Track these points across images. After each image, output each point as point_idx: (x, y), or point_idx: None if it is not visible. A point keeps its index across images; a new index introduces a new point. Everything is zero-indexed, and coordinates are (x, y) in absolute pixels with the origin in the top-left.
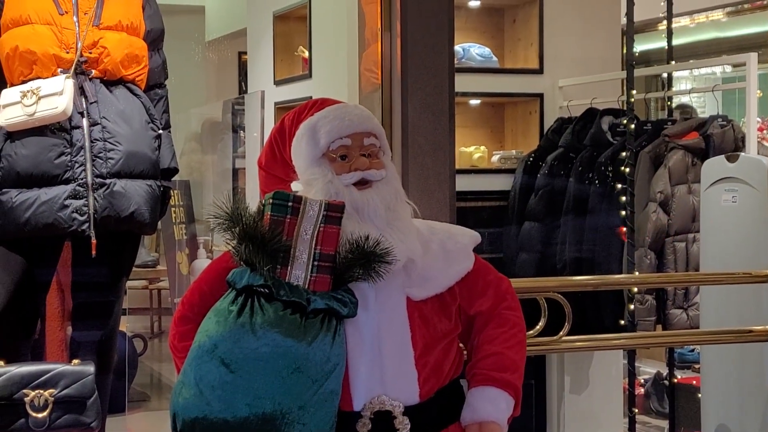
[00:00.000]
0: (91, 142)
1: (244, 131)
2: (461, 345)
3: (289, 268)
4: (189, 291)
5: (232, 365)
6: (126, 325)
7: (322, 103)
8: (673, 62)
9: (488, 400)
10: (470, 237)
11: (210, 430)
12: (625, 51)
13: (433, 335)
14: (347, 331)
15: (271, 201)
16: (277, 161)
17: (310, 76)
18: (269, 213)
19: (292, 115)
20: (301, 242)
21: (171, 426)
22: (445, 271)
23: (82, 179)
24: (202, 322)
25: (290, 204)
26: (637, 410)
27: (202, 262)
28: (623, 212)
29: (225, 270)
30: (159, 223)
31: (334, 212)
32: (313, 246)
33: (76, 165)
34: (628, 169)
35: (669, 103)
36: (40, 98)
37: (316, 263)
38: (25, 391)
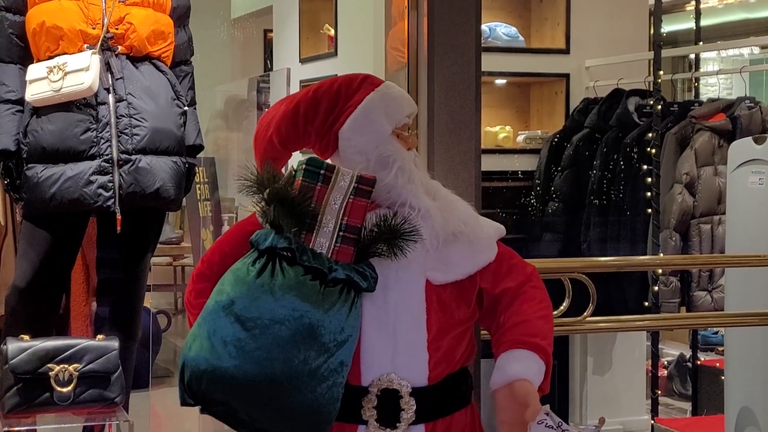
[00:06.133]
0: (117, 118)
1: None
2: (484, 331)
3: (314, 235)
4: (210, 250)
5: (247, 323)
6: (150, 301)
7: (366, 79)
8: (701, 43)
9: (518, 360)
10: (495, 228)
11: (218, 384)
12: (652, 31)
13: (449, 321)
14: (364, 306)
15: (303, 167)
16: (299, 135)
17: (335, 54)
18: (301, 178)
19: (331, 88)
20: (329, 211)
21: (178, 377)
22: (468, 258)
23: (107, 155)
24: (221, 279)
25: (323, 172)
26: (659, 392)
27: None
28: (648, 193)
29: (248, 233)
30: (184, 199)
31: (365, 185)
32: (341, 216)
33: (102, 141)
34: (654, 150)
35: (696, 84)
36: (66, 74)
37: (341, 233)
38: (49, 365)
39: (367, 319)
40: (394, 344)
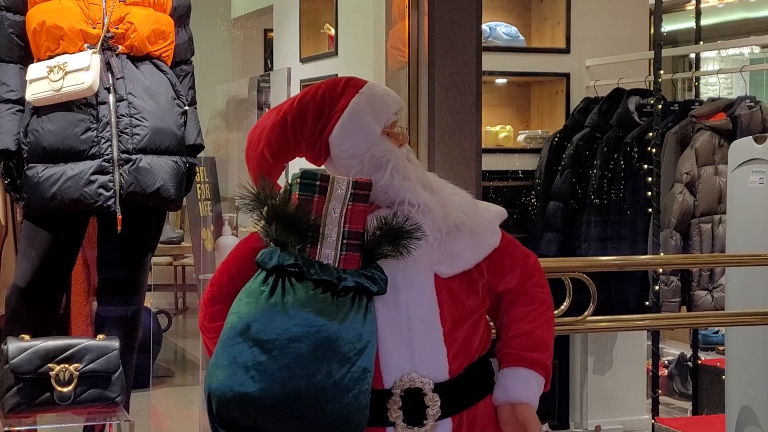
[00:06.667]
0: (117, 117)
1: (269, 109)
2: (491, 322)
3: (318, 247)
4: (217, 272)
5: (266, 345)
6: (151, 301)
7: (349, 82)
8: (701, 42)
9: (520, 380)
10: (497, 213)
11: (245, 409)
12: (652, 31)
13: (462, 312)
14: (376, 309)
15: (298, 180)
16: (289, 146)
17: (336, 53)
18: (297, 192)
19: (315, 95)
20: (330, 221)
21: (207, 407)
22: (472, 247)
23: (108, 155)
24: (233, 304)
25: (318, 183)
26: (660, 391)
27: (227, 239)
28: (649, 193)
29: (253, 250)
30: (184, 199)
31: (361, 190)
32: (342, 224)
33: (102, 140)
34: (654, 150)
35: (696, 83)
36: (66, 73)
37: (345, 241)
38: (50, 365)
39: (382, 322)
40: (411, 343)
